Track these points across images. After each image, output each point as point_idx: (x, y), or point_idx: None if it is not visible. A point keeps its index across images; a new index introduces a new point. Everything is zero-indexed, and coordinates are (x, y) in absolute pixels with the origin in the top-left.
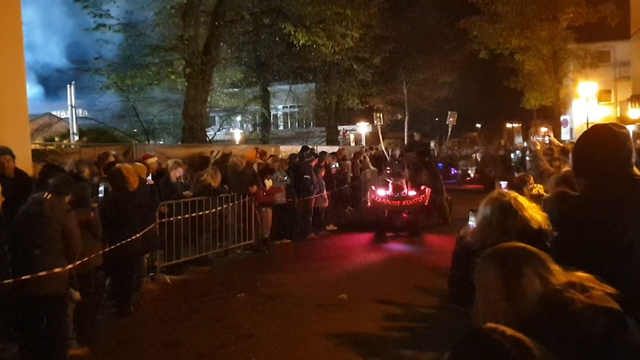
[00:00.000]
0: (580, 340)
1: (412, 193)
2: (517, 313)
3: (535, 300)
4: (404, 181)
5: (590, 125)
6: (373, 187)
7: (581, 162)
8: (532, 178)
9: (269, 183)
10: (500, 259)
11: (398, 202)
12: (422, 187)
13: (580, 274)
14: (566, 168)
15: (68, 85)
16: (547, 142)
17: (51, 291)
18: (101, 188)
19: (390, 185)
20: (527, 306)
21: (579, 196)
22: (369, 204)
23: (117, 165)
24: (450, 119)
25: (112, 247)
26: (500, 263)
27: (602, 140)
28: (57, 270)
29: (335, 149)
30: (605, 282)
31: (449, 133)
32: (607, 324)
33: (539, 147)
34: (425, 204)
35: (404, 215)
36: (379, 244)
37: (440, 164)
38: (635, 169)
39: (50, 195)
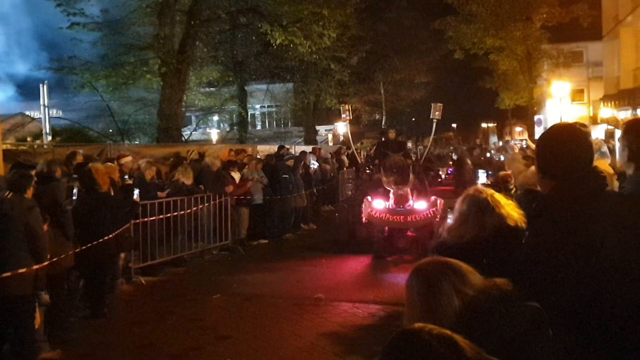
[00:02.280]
0: (504, 342)
1: (419, 205)
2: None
3: (453, 315)
4: (409, 190)
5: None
6: (369, 198)
7: (546, 162)
8: (512, 178)
9: (237, 175)
10: (421, 275)
11: (402, 217)
12: (433, 198)
13: (497, 279)
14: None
15: (41, 85)
16: (525, 145)
17: (15, 292)
18: (75, 190)
19: (391, 196)
20: (446, 322)
21: (547, 196)
22: (363, 218)
23: (89, 165)
24: (436, 113)
25: (84, 248)
26: (420, 279)
27: (566, 139)
28: (21, 270)
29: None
30: (575, 281)
31: (434, 129)
32: (528, 322)
33: (517, 151)
34: (437, 219)
35: (409, 233)
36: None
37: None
38: (603, 164)
39: (10, 193)
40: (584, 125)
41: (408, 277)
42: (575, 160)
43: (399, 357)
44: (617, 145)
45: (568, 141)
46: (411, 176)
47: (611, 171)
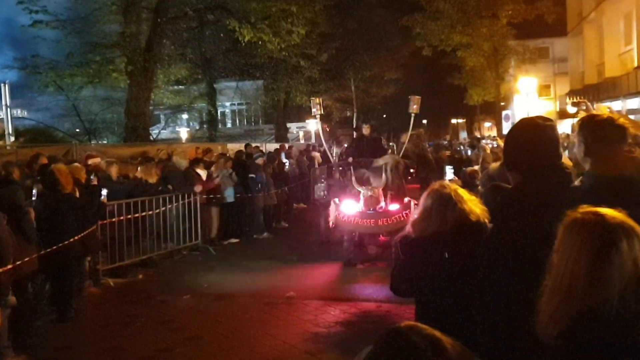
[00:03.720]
0: None
1: (391, 208)
2: (592, 295)
3: (618, 288)
4: (380, 190)
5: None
6: (336, 200)
7: (512, 156)
8: (480, 174)
9: (203, 172)
10: (595, 227)
11: (372, 221)
12: (407, 200)
13: None
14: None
15: (2, 84)
16: (495, 145)
17: None
18: (35, 191)
19: (361, 198)
20: (607, 291)
21: (511, 189)
22: (330, 223)
23: (51, 166)
24: (414, 106)
25: (48, 251)
26: (593, 231)
27: (530, 134)
28: None
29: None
30: (535, 274)
31: (412, 123)
32: None
33: (488, 151)
34: None
35: (381, 238)
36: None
37: None
38: (566, 160)
39: None
40: (550, 120)
41: (570, 225)
42: (539, 155)
43: (386, 354)
44: None
45: (533, 136)
46: (384, 176)
47: (571, 164)
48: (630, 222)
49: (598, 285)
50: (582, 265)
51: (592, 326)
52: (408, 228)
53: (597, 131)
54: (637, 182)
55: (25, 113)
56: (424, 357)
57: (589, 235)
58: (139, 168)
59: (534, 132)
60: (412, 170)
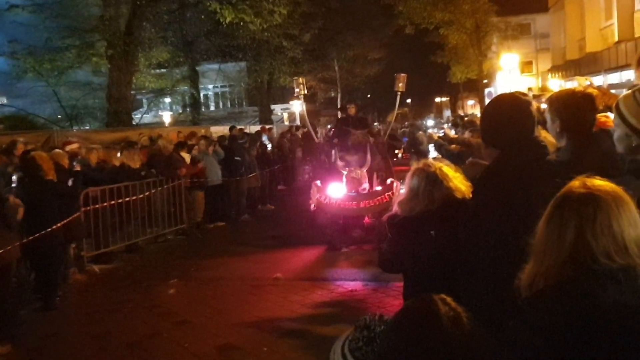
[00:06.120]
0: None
1: (374, 189)
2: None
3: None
4: (364, 172)
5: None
6: (318, 183)
7: (490, 132)
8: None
9: (187, 156)
10: (568, 194)
11: (354, 203)
12: (390, 181)
13: None
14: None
15: None
16: (442, 134)
17: None
18: (14, 177)
19: (344, 179)
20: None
21: (490, 165)
22: (312, 205)
23: (31, 153)
24: (400, 84)
25: (31, 238)
26: (566, 198)
27: (508, 109)
28: None
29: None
30: (516, 249)
31: (397, 102)
32: None
33: (435, 138)
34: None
35: (366, 220)
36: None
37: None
38: (544, 134)
39: None
40: (525, 95)
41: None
42: (517, 129)
43: (410, 313)
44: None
45: (510, 111)
46: (368, 157)
47: (553, 140)
48: (611, 191)
49: (567, 249)
50: (552, 228)
51: (562, 288)
52: (395, 208)
53: (569, 103)
54: (614, 154)
55: (5, 100)
56: (442, 322)
57: (562, 200)
58: (118, 154)
59: (511, 106)
60: (397, 152)
